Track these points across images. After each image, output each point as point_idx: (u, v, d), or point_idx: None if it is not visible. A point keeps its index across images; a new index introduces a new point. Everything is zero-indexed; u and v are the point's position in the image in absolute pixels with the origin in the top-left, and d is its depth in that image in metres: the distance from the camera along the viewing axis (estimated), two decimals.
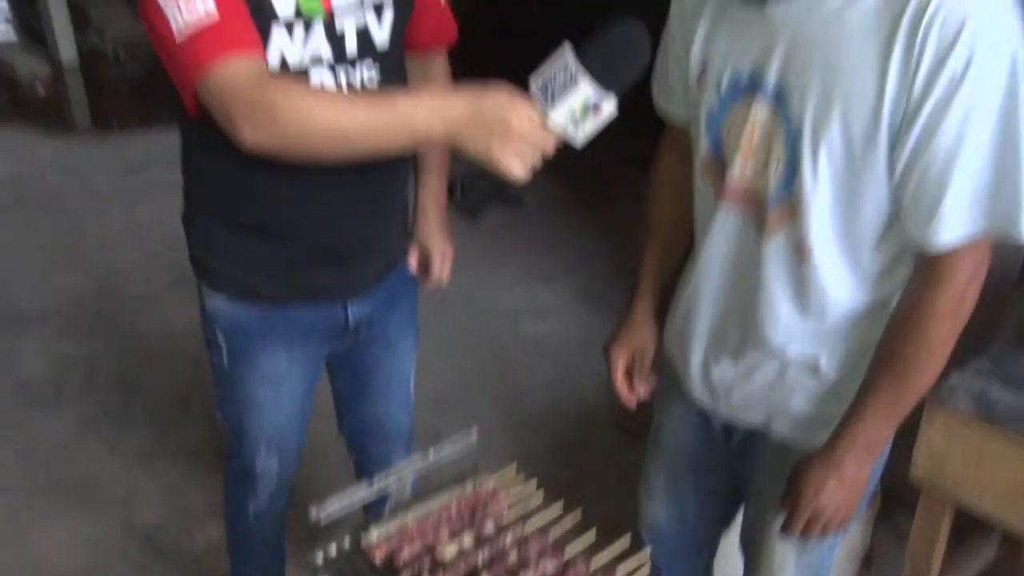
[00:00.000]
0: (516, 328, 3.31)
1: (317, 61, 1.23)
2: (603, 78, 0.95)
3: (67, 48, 7.53)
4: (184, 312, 3.16)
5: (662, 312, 1.36)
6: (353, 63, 1.26)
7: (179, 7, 1.06)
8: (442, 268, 1.56)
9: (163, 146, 5.25)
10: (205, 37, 1.06)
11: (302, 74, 1.21)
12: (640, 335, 1.36)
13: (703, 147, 1.17)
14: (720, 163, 1.15)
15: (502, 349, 3.17)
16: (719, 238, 1.17)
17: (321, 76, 1.23)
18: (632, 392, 1.38)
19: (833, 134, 0.99)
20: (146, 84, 7.47)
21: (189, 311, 2.41)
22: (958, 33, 0.89)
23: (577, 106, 0.96)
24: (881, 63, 0.94)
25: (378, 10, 1.28)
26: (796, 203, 1.06)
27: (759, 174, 1.09)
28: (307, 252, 1.35)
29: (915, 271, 1.06)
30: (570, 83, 0.95)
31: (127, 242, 3.96)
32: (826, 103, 0.99)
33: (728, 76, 1.10)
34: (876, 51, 0.94)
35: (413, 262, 1.56)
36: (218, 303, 1.40)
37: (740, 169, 1.11)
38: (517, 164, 1.00)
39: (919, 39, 0.90)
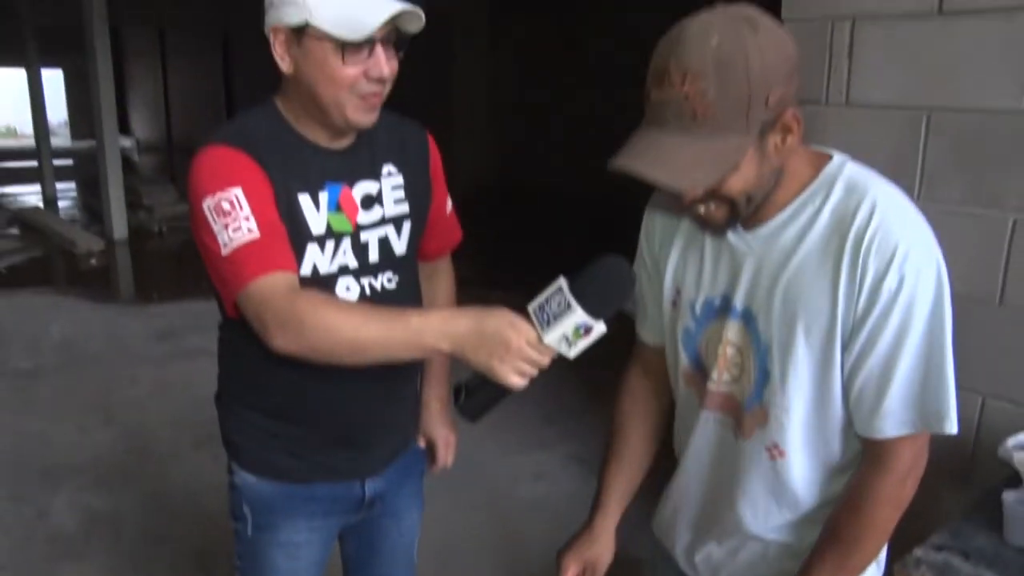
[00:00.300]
0: (515, 489, 3.50)
1: (344, 270, 1.35)
2: (593, 307, 1.05)
3: (120, 225, 8.17)
4: (206, 472, 3.42)
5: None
6: (375, 272, 1.39)
7: (228, 228, 1.19)
8: (446, 456, 1.73)
9: (194, 315, 5.80)
10: (247, 255, 1.18)
11: (331, 280, 1.34)
12: (595, 547, 1.39)
13: (683, 361, 1.26)
14: (700, 374, 1.24)
15: (502, 508, 3.35)
16: (702, 438, 1.25)
17: (347, 283, 1.35)
18: None
19: (798, 348, 1.09)
20: (184, 257, 8.10)
21: (211, 471, 2.61)
22: (891, 257, 1.01)
23: (570, 330, 1.05)
24: (832, 283, 1.05)
25: (398, 224, 1.42)
26: (768, 408, 1.15)
27: (735, 382, 1.18)
28: (330, 437, 1.44)
29: (862, 458, 1.14)
30: (564, 310, 1.04)
31: (157, 402, 4.27)
32: (789, 322, 1.09)
33: (701, 301, 1.20)
34: (827, 274, 1.06)
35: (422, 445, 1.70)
36: (246, 479, 1.47)
37: (718, 379, 1.20)
38: (516, 377, 1.08)
39: (860, 262, 1.03)
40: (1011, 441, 1.62)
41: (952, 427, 1.06)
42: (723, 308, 1.18)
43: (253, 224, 1.19)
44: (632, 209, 1.54)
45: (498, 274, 5.78)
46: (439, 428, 1.69)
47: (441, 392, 1.68)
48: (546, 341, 1.06)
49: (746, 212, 1.08)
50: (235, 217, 1.19)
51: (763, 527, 1.22)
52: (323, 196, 1.33)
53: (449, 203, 1.59)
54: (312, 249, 1.31)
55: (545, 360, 1.09)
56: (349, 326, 1.14)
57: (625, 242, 1.35)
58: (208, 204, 1.21)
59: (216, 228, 1.20)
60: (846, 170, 1.09)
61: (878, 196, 1.05)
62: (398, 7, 1.20)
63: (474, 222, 1.95)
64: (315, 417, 1.43)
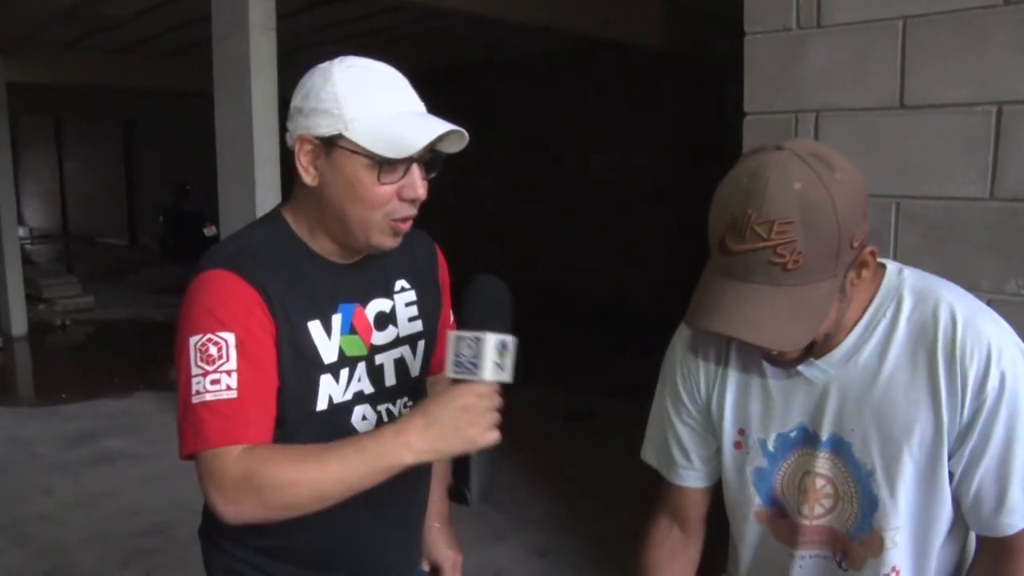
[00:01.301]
0: None
1: (359, 397, 1.27)
2: (494, 325, 1.09)
3: (19, 320, 7.68)
4: None
5: None
6: (392, 397, 1.31)
7: (206, 377, 1.09)
8: None
9: (110, 415, 5.45)
10: (214, 417, 1.08)
11: (346, 409, 1.25)
12: None
13: (755, 501, 1.20)
14: (776, 510, 1.19)
15: None
16: (787, 571, 1.20)
17: (363, 411, 1.27)
18: None
19: (905, 466, 1.06)
20: (92, 352, 7.67)
21: None
22: (988, 357, 1.00)
23: (494, 356, 1.08)
24: (931, 395, 1.03)
25: (412, 344, 1.35)
26: (881, 534, 1.11)
27: (831, 513, 1.14)
28: (327, 573, 1.33)
29: (984, 553, 1.11)
30: (477, 345, 1.08)
31: (75, 515, 3.92)
32: (892, 443, 1.06)
33: (774, 437, 1.15)
34: (923, 387, 1.03)
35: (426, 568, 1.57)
36: None
37: (810, 513, 1.15)
38: (489, 433, 1.09)
39: (958, 369, 1.01)
40: None
41: None
42: (804, 441, 1.14)
43: (234, 381, 1.10)
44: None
45: None
46: (444, 550, 1.56)
47: (441, 510, 1.57)
48: (487, 379, 1.09)
49: (820, 348, 1.07)
50: (218, 368, 1.10)
51: None
52: (336, 319, 1.23)
53: (451, 317, 1.49)
54: (326, 380, 1.22)
55: (497, 399, 1.11)
56: (306, 477, 1.08)
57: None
58: (195, 341, 1.11)
59: (195, 371, 1.10)
60: (906, 278, 1.08)
61: (952, 300, 1.04)
62: (446, 127, 1.13)
63: None
64: (309, 554, 1.30)
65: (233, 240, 1.25)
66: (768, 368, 1.14)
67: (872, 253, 1.01)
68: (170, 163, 13.51)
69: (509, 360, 1.10)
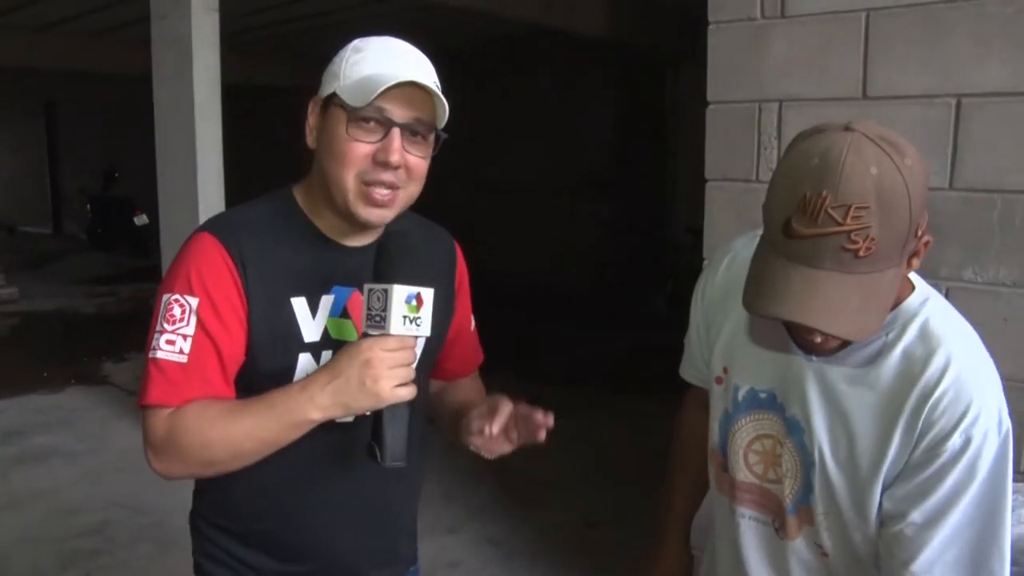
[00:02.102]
0: None
1: None
2: (403, 277, 1.05)
3: None
4: None
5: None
6: None
7: (163, 335, 1.12)
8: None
9: (40, 411, 5.21)
10: (160, 375, 1.12)
11: None
12: (672, 565, 1.42)
13: (714, 437, 1.24)
14: (723, 459, 1.22)
15: None
16: (745, 537, 1.22)
17: None
18: None
19: (844, 471, 1.07)
20: (19, 344, 7.32)
21: None
22: (960, 419, 0.98)
23: (404, 309, 1.05)
24: (887, 428, 1.02)
25: None
26: (812, 515, 1.13)
27: (778, 483, 1.15)
28: (313, 573, 1.29)
29: None
30: (384, 297, 1.05)
31: (7, 517, 3.72)
32: (838, 446, 1.07)
33: (747, 390, 1.17)
34: (885, 417, 1.03)
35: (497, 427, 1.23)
36: None
37: (747, 469, 1.18)
38: (401, 389, 1.05)
39: (923, 418, 0.99)
40: None
41: None
42: (770, 406, 1.15)
43: (188, 346, 1.12)
44: None
45: None
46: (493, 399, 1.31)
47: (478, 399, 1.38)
48: (393, 333, 1.05)
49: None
50: (176, 330, 1.13)
51: None
52: (326, 300, 1.20)
53: (472, 321, 1.46)
54: (305, 360, 1.18)
55: (409, 354, 1.07)
56: (218, 434, 1.10)
57: None
58: (165, 299, 1.15)
59: (158, 327, 1.14)
60: (926, 310, 1.04)
61: (953, 351, 1.01)
62: (404, 77, 1.09)
63: None
64: (283, 547, 1.27)
65: (234, 210, 1.26)
66: (766, 323, 1.12)
67: (927, 243, 0.97)
68: (96, 147, 13.01)
69: (425, 314, 1.07)
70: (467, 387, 1.49)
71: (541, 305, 7.98)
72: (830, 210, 0.88)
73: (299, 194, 1.24)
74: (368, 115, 1.11)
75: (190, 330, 1.12)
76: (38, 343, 7.41)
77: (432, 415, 1.44)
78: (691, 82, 2.18)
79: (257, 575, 1.28)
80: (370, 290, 1.07)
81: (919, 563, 1.02)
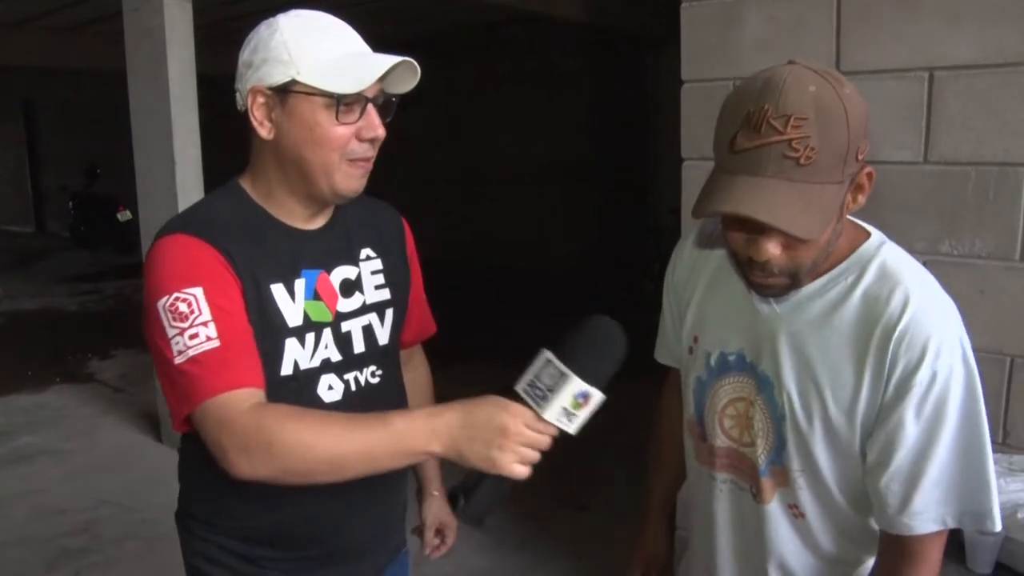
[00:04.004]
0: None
1: (327, 365, 1.24)
2: (588, 372, 1.00)
3: None
4: None
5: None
6: (360, 365, 1.28)
7: (184, 333, 1.06)
8: (452, 539, 1.58)
9: (24, 411, 5.18)
10: (205, 367, 1.05)
11: (313, 377, 1.22)
12: (651, 548, 1.50)
13: (690, 408, 1.27)
14: (701, 427, 1.24)
15: None
16: (720, 503, 1.25)
17: (330, 380, 1.24)
18: None
19: (815, 421, 1.09)
20: (1, 348, 7.27)
21: None
22: (923, 353, 1.00)
23: (568, 401, 1.00)
24: (857, 368, 1.05)
25: (380, 312, 1.32)
26: (787, 472, 1.14)
27: (751, 445, 1.17)
28: (307, 560, 1.30)
29: (884, 549, 1.12)
30: (559, 381, 0.99)
31: None
32: (808, 394, 1.09)
33: (717, 354, 1.20)
34: (853, 357, 1.05)
35: (431, 537, 1.56)
36: None
37: (724, 435, 1.20)
38: (519, 466, 1.02)
39: (889, 354, 1.02)
40: None
41: (995, 525, 1.04)
42: (739, 367, 1.17)
43: (213, 331, 1.06)
44: None
45: None
46: (450, 516, 1.56)
47: (437, 476, 1.58)
48: (546, 418, 1.00)
49: (805, 282, 1.06)
50: (193, 322, 1.06)
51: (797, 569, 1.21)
52: (299, 284, 1.21)
53: (423, 292, 1.50)
54: (291, 344, 1.19)
55: (546, 441, 1.03)
56: (325, 442, 1.03)
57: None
58: (163, 304, 1.08)
59: (171, 332, 1.06)
60: (882, 252, 1.08)
61: (911, 287, 1.04)
62: (397, 59, 1.12)
63: None
64: (282, 537, 1.27)
65: (189, 210, 1.22)
66: (730, 288, 1.17)
67: (869, 175, 1.01)
68: (77, 144, 12.87)
69: (584, 414, 1.02)
70: (418, 377, 1.57)
71: (525, 292, 7.97)
72: (771, 120, 0.92)
73: (247, 186, 1.23)
74: (352, 98, 1.12)
75: (207, 316, 1.07)
76: (22, 343, 7.35)
77: None
78: (671, 64, 2.17)
79: (258, 568, 1.27)
80: (549, 361, 1.01)
81: (913, 506, 1.04)
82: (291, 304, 1.19)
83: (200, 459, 1.15)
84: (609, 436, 4.49)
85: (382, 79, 1.14)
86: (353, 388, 1.27)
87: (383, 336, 1.32)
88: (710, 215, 0.98)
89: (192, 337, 1.06)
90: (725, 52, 2.14)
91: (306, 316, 1.21)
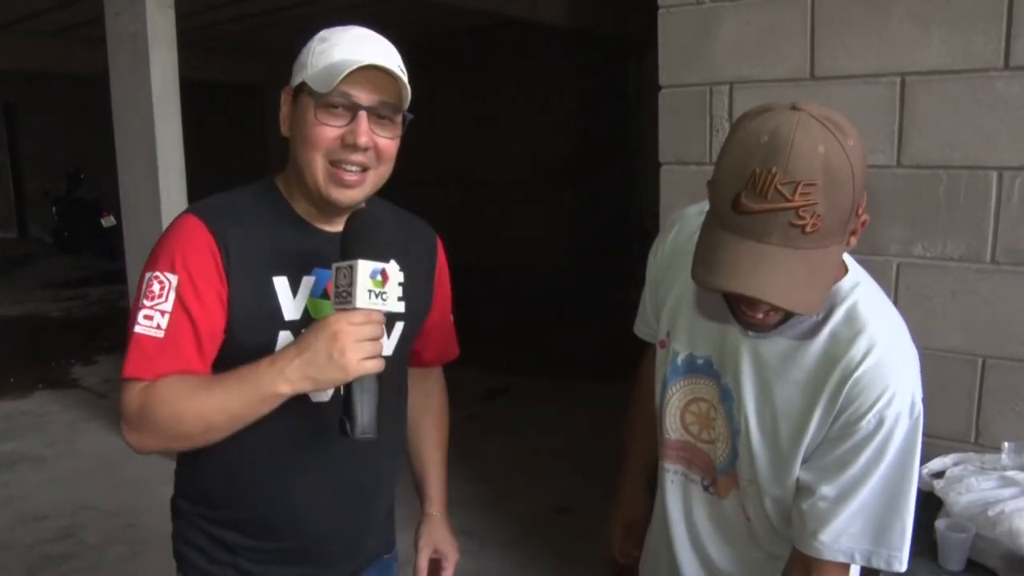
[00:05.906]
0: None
1: None
2: (368, 253, 1.07)
3: None
4: None
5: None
6: None
7: (142, 310, 1.15)
8: (452, 568, 1.55)
9: (4, 416, 5.12)
10: (140, 348, 1.14)
11: None
12: (631, 510, 1.53)
13: (656, 396, 1.30)
14: (661, 419, 1.29)
15: None
16: (676, 494, 1.30)
17: None
18: (626, 556, 1.54)
19: (766, 442, 1.13)
20: None
21: None
22: (875, 402, 1.03)
23: (369, 284, 1.07)
24: (810, 404, 1.08)
25: (388, 323, 1.27)
26: (738, 477, 1.19)
27: (711, 443, 1.22)
28: (280, 553, 1.32)
29: (793, 563, 1.16)
30: (350, 273, 1.07)
31: None
32: (763, 418, 1.13)
33: (685, 355, 1.22)
34: (808, 394, 1.08)
35: (423, 565, 1.53)
36: None
37: (680, 431, 1.25)
38: (369, 361, 1.07)
39: (842, 398, 1.05)
40: (924, 469, 1.73)
41: (901, 566, 1.08)
42: (706, 372, 1.20)
43: (165, 322, 1.15)
44: None
45: None
46: (449, 540, 1.54)
47: (440, 497, 1.57)
48: (359, 306, 1.07)
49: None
50: (155, 306, 1.16)
51: (748, 569, 1.27)
52: (306, 280, 1.23)
53: (450, 315, 1.51)
54: (284, 337, 1.21)
55: (377, 328, 1.09)
56: (190, 409, 1.12)
57: None
58: (148, 276, 1.18)
59: (139, 303, 1.17)
60: (855, 294, 1.09)
61: (876, 335, 1.05)
62: (366, 61, 1.13)
63: None
64: (272, 527, 1.29)
65: (220, 195, 1.29)
66: (706, 294, 1.17)
67: (864, 222, 1.00)
68: (60, 149, 12.78)
69: (393, 287, 1.09)
70: (433, 394, 1.59)
71: (511, 295, 7.98)
72: (779, 186, 0.90)
73: (280, 182, 1.28)
74: (335, 100, 1.15)
75: (168, 306, 1.15)
76: (5, 349, 7.29)
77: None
78: (654, 68, 2.19)
79: (230, 553, 1.30)
80: (337, 268, 1.09)
81: (827, 532, 1.08)
82: (291, 298, 1.22)
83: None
84: (591, 437, 4.53)
85: (353, 82, 1.14)
86: (342, 390, 1.26)
87: (387, 347, 1.31)
88: (715, 290, 0.98)
89: (147, 318, 1.15)
90: (701, 58, 2.17)
91: (306, 312, 1.23)
